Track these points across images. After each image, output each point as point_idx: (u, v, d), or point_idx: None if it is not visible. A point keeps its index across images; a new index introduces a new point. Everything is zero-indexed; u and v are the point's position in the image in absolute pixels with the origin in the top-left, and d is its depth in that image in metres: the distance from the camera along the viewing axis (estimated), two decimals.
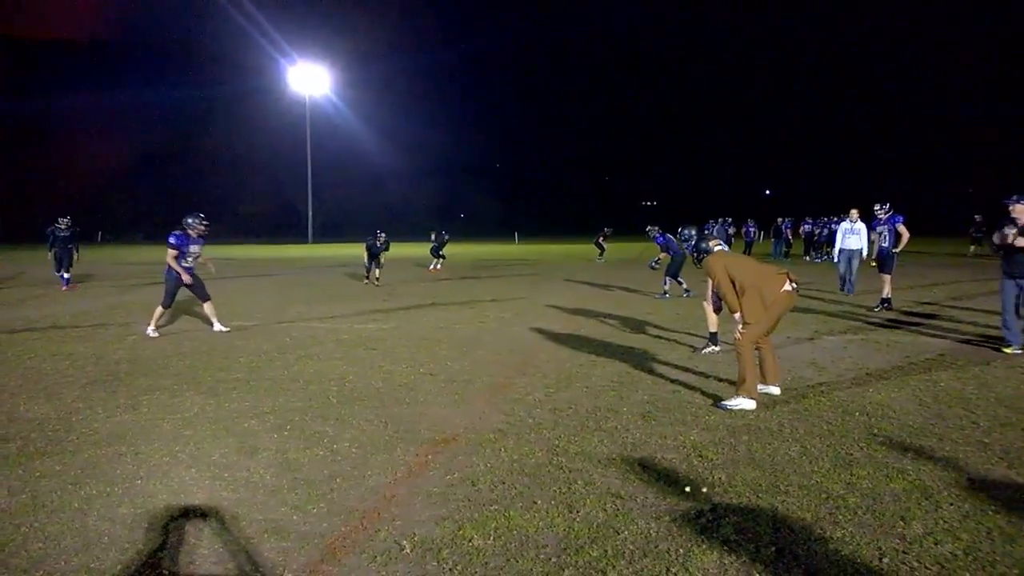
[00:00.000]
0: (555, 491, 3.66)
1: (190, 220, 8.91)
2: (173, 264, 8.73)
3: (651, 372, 6.52)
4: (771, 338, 5.67)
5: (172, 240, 8.72)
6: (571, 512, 3.38)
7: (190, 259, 8.95)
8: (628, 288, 14.96)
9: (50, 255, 15.53)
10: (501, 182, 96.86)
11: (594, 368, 6.74)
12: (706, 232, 6.65)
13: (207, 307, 9.33)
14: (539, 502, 3.51)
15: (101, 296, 14.44)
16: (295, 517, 3.39)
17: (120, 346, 8.23)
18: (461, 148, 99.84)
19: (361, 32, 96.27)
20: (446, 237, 23.29)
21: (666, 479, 3.80)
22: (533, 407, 5.35)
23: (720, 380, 6.11)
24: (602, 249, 26.62)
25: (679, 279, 13.03)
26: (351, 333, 9.15)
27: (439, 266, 22.37)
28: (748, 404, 5.16)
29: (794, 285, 5.40)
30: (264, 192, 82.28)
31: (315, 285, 17.15)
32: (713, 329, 7.51)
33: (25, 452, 4.35)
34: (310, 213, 66.53)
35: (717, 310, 7.39)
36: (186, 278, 8.76)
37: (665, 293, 13.17)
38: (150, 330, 8.86)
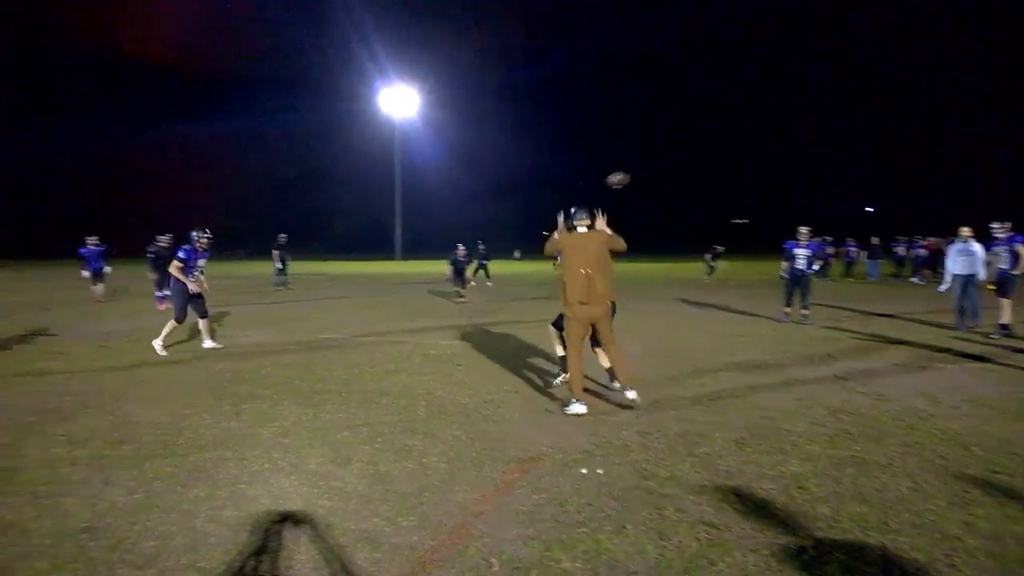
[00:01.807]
0: (645, 516, 3.58)
1: (195, 234, 9.14)
2: (179, 276, 8.93)
3: (745, 397, 6.30)
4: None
5: (181, 254, 8.97)
6: (662, 539, 3.30)
7: (197, 272, 9.13)
8: (718, 307, 14.56)
9: (151, 274, 15.19)
10: (583, 200, 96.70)
11: (683, 390, 6.58)
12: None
13: (202, 324, 9.38)
14: (628, 527, 3.44)
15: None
16: (387, 528, 3.45)
17: (222, 355, 8.67)
18: (543, 166, 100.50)
19: (447, 54, 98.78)
20: (482, 248, 22.36)
21: (764, 511, 3.65)
22: (619, 428, 5.27)
23: (825, 408, 5.85)
24: (712, 268, 25.47)
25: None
26: (438, 349, 9.30)
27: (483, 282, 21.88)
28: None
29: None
30: (354, 210, 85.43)
31: (403, 301, 17.56)
32: (562, 353, 6.64)
33: (139, 454, 4.64)
34: (398, 230, 68.47)
35: None
36: (192, 287, 8.96)
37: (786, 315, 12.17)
38: (157, 345, 8.88)
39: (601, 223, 6.15)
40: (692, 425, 5.36)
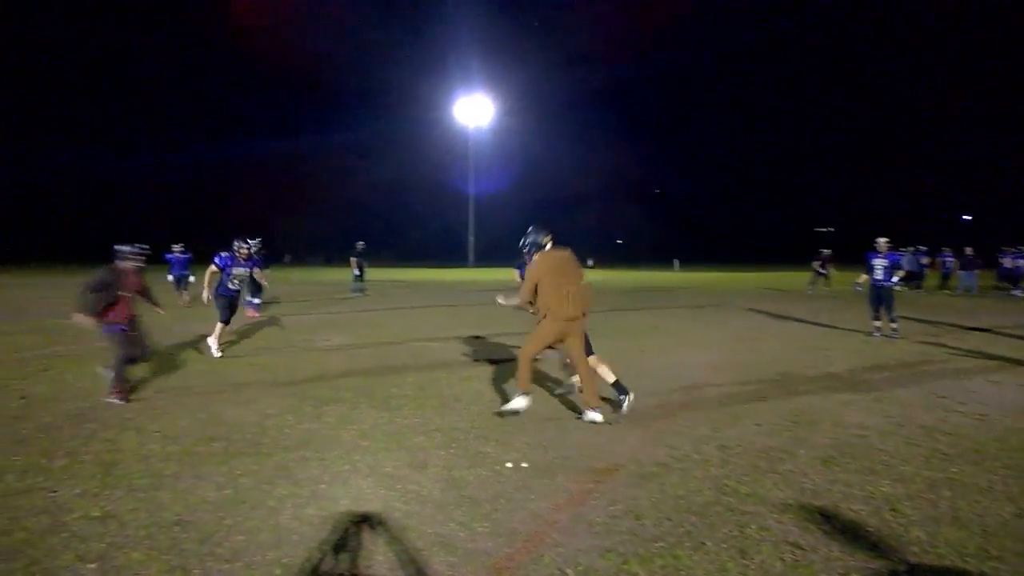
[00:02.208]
0: (725, 533, 3.47)
1: (236, 243, 9.31)
2: (209, 280, 9.16)
3: (832, 413, 6.04)
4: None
5: (217, 260, 9.16)
6: (744, 558, 3.19)
7: (235, 281, 9.26)
8: (806, 320, 14.04)
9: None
10: (660, 207, 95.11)
11: (764, 404, 6.36)
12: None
13: (219, 327, 9.22)
14: (708, 543, 3.34)
15: (287, 313, 15.81)
16: (461, 534, 3.47)
17: (304, 359, 8.96)
18: (619, 173, 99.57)
19: (521, 62, 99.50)
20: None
21: (853, 533, 3.48)
22: (699, 442, 5.14)
23: (919, 427, 5.54)
24: (822, 274, 23.60)
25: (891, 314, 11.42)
26: (510, 356, 9.32)
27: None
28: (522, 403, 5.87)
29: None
30: (428, 218, 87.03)
31: (476, 308, 17.70)
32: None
33: (228, 452, 4.83)
34: (471, 238, 69.24)
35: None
36: (206, 295, 9.11)
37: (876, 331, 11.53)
38: (214, 350, 9.10)
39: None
40: (775, 441, 5.17)
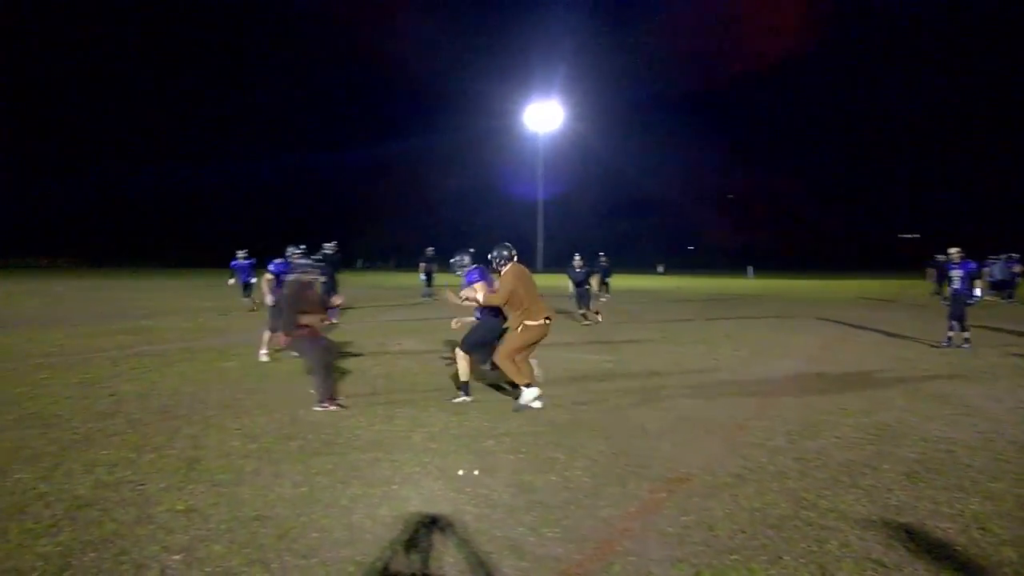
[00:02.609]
0: (804, 548, 3.34)
1: (290, 250, 9.45)
2: (265, 287, 9.31)
3: (917, 427, 5.76)
4: None
5: (271, 267, 9.33)
6: (823, 574, 3.06)
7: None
8: (889, 331, 13.45)
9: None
10: (734, 214, 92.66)
11: (846, 417, 6.12)
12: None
13: (267, 335, 9.20)
14: (786, 558, 3.23)
15: (358, 318, 16.18)
16: (531, 538, 3.46)
17: (376, 363, 9.14)
18: (692, 178, 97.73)
19: (591, 67, 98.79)
20: (603, 260, 20.16)
21: (940, 552, 3.30)
22: (774, 454, 4.98)
23: (1010, 442, 5.22)
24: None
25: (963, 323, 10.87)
26: (579, 363, 9.27)
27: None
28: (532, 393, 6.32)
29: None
30: (497, 224, 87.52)
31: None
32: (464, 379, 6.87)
33: (304, 451, 4.97)
34: (540, 244, 69.34)
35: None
36: (269, 299, 9.20)
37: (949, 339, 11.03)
38: (262, 354, 9.22)
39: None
40: (857, 454, 4.96)
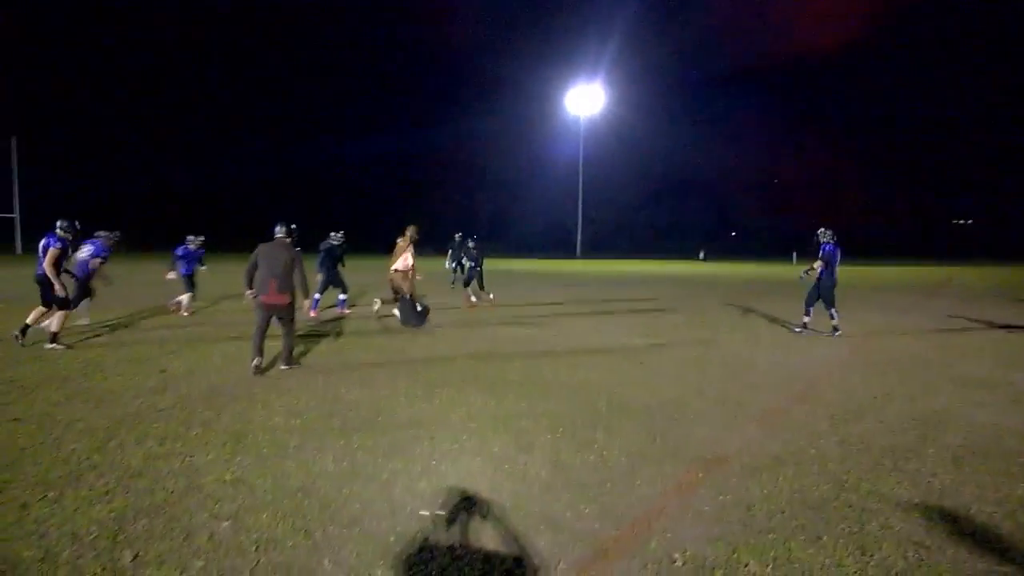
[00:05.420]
0: (843, 529, 3.31)
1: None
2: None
3: (964, 413, 5.62)
4: None
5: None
6: (864, 554, 3.03)
7: None
8: (940, 316, 13.09)
9: (319, 274, 12.76)
10: (778, 199, 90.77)
11: (890, 402, 6.00)
12: None
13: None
14: (825, 538, 3.20)
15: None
16: (568, 514, 3.50)
17: (416, 344, 9.25)
18: (734, 163, 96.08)
19: (633, 51, 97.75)
20: (473, 249, 16.27)
21: (984, 536, 3.24)
22: (815, 437, 4.91)
23: None
24: None
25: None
26: (620, 347, 9.24)
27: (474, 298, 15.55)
28: None
29: None
30: (536, 209, 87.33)
31: (583, 299, 17.60)
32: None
33: (345, 428, 5.08)
34: (579, 230, 69.00)
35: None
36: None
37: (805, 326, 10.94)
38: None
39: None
40: (901, 439, 4.87)
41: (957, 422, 5.34)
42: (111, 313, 11.01)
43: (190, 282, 12.37)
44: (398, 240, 10.87)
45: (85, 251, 9.58)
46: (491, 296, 15.66)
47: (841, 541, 3.17)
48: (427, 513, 3.49)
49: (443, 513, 3.50)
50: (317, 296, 12.54)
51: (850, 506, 3.61)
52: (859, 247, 68.34)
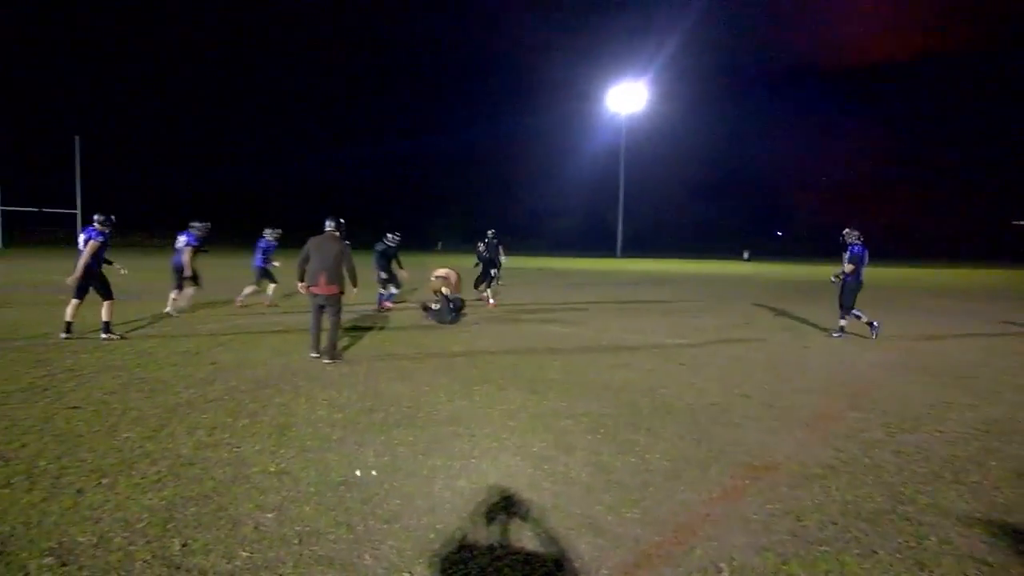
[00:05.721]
0: (900, 543, 3.17)
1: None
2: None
3: None
4: None
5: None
6: (922, 570, 2.90)
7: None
8: (1007, 322, 12.56)
9: (378, 274, 12.82)
10: (828, 197, 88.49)
11: (950, 411, 5.76)
12: None
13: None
14: (880, 552, 3.07)
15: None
16: (609, 517, 3.43)
17: (456, 341, 9.26)
18: (781, 162, 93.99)
19: (677, 48, 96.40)
20: (496, 244, 16.17)
21: None
22: (870, 446, 4.74)
23: None
24: None
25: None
26: (662, 347, 9.10)
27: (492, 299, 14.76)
28: None
29: None
30: (576, 206, 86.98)
31: (624, 297, 17.43)
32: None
33: (386, 423, 5.10)
34: (619, 228, 68.34)
35: None
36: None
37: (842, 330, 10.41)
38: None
39: None
40: (962, 450, 4.66)
41: (1022, 433, 5.09)
42: (159, 306, 11.28)
43: (267, 274, 12.95)
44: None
45: (181, 241, 10.53)
46: (491, 300, 14.65)
47: (898, 556, 3.04)
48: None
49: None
50: (382, 292, 13.04)
51: (907, 519, 3.46)
52: (914, 249, 66.29)
